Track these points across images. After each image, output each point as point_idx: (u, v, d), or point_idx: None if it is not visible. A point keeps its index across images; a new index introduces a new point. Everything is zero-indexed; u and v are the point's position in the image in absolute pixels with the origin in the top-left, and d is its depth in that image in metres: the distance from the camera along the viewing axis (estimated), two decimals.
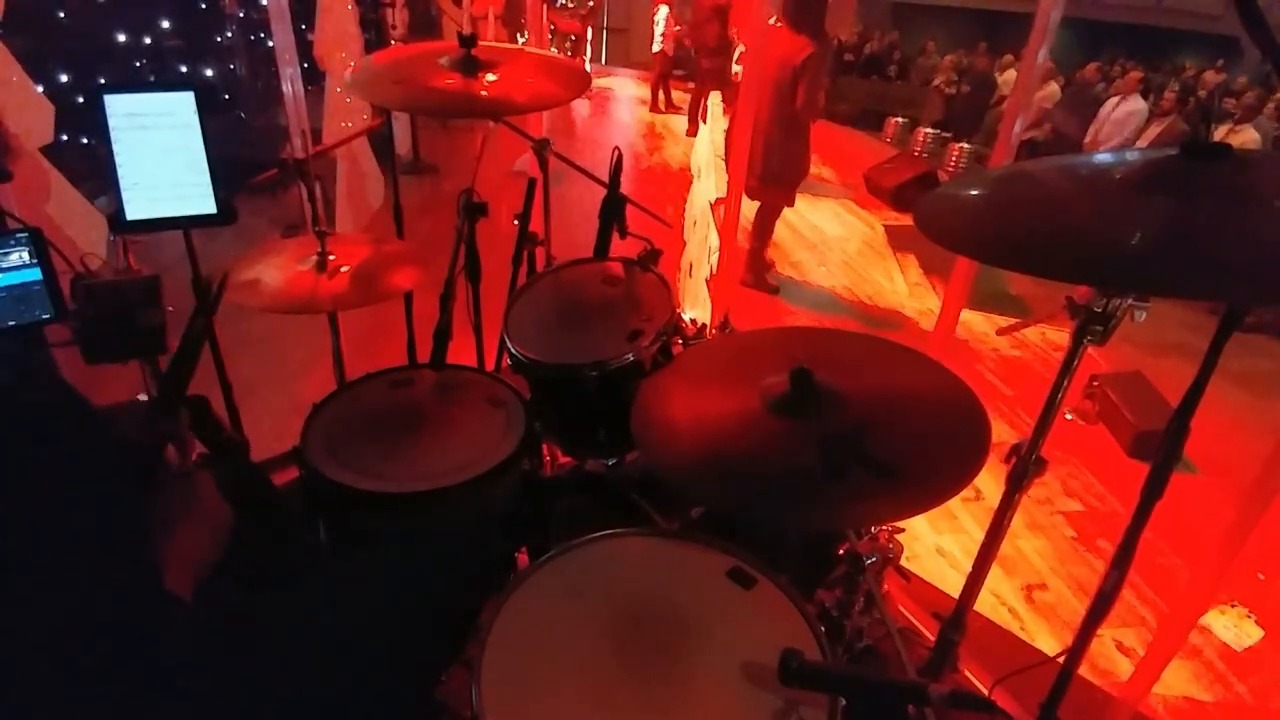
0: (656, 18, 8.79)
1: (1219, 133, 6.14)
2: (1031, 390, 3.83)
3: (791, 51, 3.91)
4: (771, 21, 3.90)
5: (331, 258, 1.63)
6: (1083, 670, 1.25)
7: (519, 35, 7.65)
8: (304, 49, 3.40)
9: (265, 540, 1.16)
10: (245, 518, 1.17)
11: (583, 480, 1.55)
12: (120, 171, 1.60)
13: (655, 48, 8.85)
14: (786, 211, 4.79)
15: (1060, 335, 4.13)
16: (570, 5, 10.52)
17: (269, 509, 1.20)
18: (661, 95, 9.23)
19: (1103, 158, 1.03)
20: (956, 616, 1.48)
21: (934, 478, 0.96)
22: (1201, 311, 4.51)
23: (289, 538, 1.20)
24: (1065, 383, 1.21)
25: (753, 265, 4.73)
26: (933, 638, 1.56)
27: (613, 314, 1.53)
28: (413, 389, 1.51)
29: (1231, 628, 2.46)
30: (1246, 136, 6.05)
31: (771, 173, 4.16)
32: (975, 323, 4.46)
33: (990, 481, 2.04)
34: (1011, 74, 9.29)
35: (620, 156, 1.75)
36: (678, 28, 8.93)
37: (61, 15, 4.08)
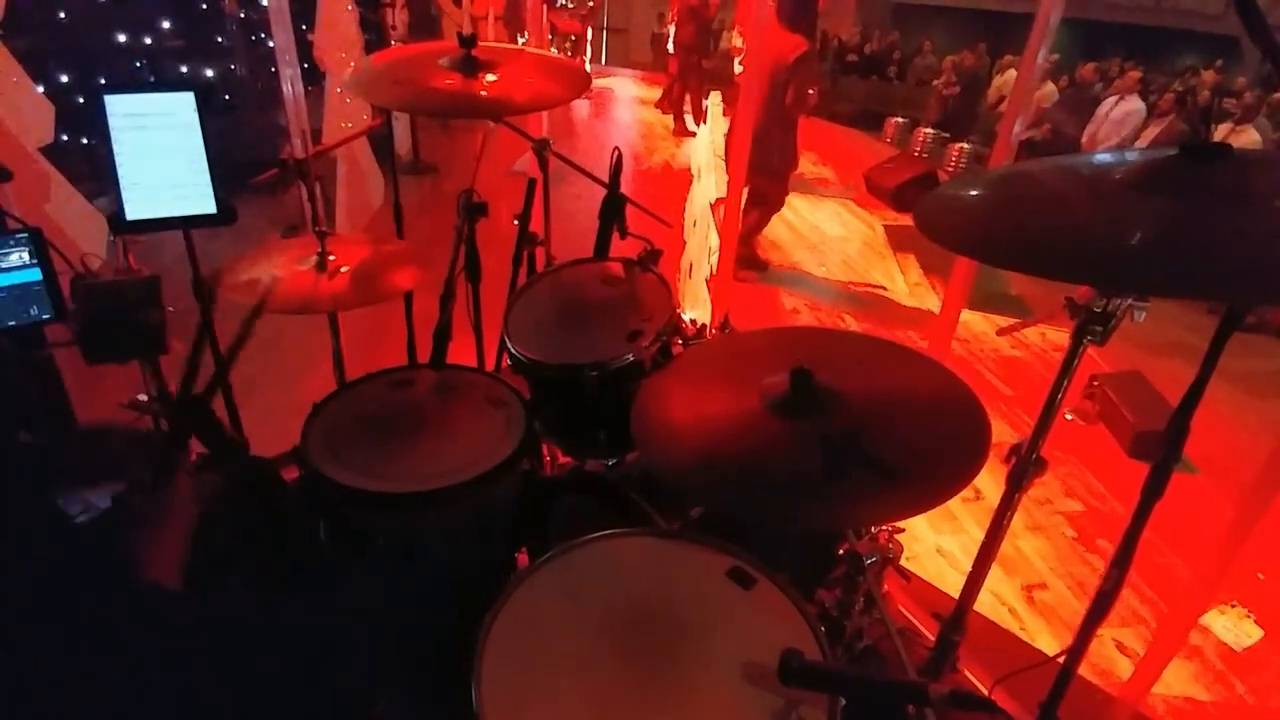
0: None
1: (1220, 133, 6.14)
2: (1031, 390, 3.83)
3: (786, 50, 4.00)
4: None
5: (331, 258, 1.63)
6: (1083, 670, 1.25)
7: (519, 35, 7.65)
8: (304, 49, 3.40)
9: (271, 539, 1.16)
10: (252, 516, 1.17)
11: (583, 480, 1.55)
12: (120, 171, 1.60)
13: (671, 49, 8.80)
14: (786, 211, 4.82)
15: (1060, 335, 4.12)
16: (570, 5, 10.50)
17: (278, 506, 1.20)
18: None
19: (1102, 158, 1.03)
20: (956, 616, 1.48)
21: (934, 478, 0.96)
22: (1201, 311, 4.51)
23: (295, 536, 1.20)
24: (1065, 383, 1.21)
25: (741, 244, 4.79)
26: (933, 638, 1.56)
27: (613, 314, 1.53)
28: (413, 389, 1.51)
29: (1231, 628, 2.46)
30: (1248, 137, 6.04)
31: (761, 161, 4.23)
32: (975, 323, 4.46)
33: (990, 481, 2.04)
34: (1012, 74, 9.29)
35: (620, 156, 1.75)
36: None
37: (61, 15, 4.08)
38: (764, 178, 4.41)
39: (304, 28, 3.86)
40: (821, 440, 1.02)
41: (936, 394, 1.11)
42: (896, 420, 1.07)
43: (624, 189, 1.76)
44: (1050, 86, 8.35)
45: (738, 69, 4.53)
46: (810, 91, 4.19)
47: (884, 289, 4.99)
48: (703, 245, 3.49)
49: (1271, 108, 6.51)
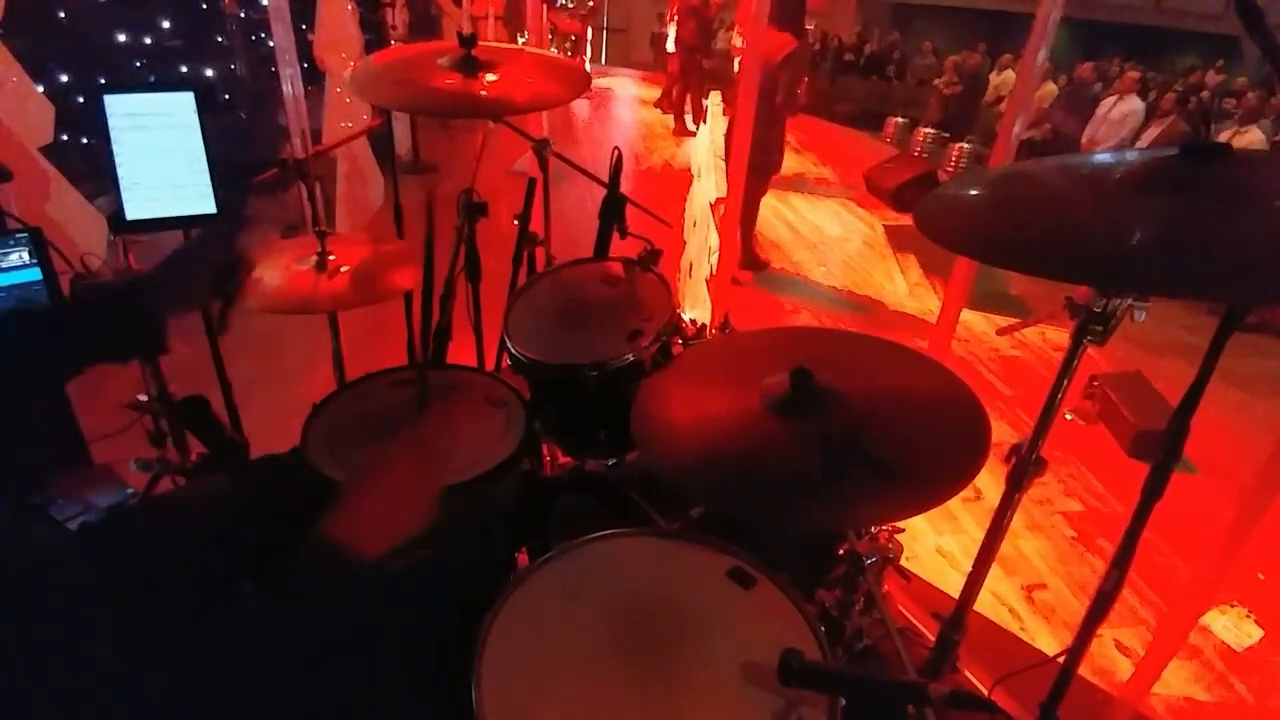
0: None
1: (1224, 134, 6.14)
2: (1031, 390, 3.83)
3: (773, 49, 4.02)
4: None
5: (331, 258, 1.63)
6: (1083, 670, 1.25)
7: (519, 35, 7.65)
8: (304, 49, 3.40)
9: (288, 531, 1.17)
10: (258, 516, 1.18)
11: (583, 480, 1.55)
12: (120, 171, 1.60)
13: (671, 47, 8.76)
14: (786, 211, 4.84)
15: (1060, 335, 4.13)
16: (570, 5, 10.50)
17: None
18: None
19: (1102, 158, 1.03)
20: (956, 616, 1.48)
21: (934, 478, 0.96)
22: (1201, 311, 4.51)
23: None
24: (1065, 383, 1.21)
25: (742, 249, 4.86)
26: (933, 638, 1.56)
27: (613, 314, 1.53)
28: (413, 389, 1.51)
29: (1231, 628, 2.46)
30: (1251, 138, 6.05)
31: (759, 161, 4.26)
32: (975, 323, 4.46)
33: (990, 481, 2.04)
34: (1010, 74, 9.29)
35: (620, 156, 1.75)
36: None
37: (61, 15, 4.08)
38: (758, 178, 4.43)
39: (304, 28, 3.87)
40: (821, 440, 1.01)
41: (936, 394, 1.11)
42: (896, 420, 1.07)
43: (624, 189, 1.76)
44: (1050, 86, 8.36)
45: (738, 68, 4.54)
46: (798, 90, 4.22)
47: (883, 301, 4.99)
48: (703, 245, 3.49)
49: (1275, 110, 6.51)
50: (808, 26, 11.85)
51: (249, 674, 0.53)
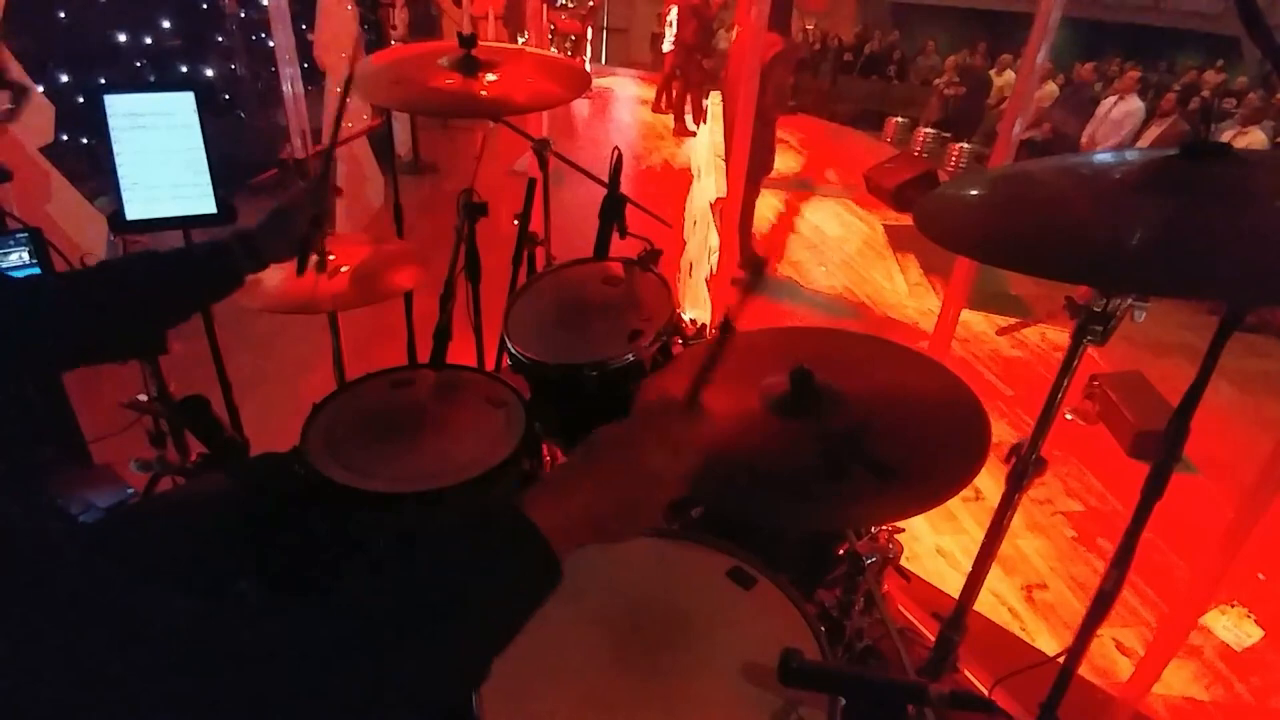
0: (669, 18, 8.70)
1: (1225, 135, 6.14)
2: (1031, 390, 3.83)
3: (761, 49, 4.03)
4: None
5: (331, 258, 1.62)
6: (1083, 670, 1.25)
7: (519, 35, 7.65)
8: (304, 49, 3.40)
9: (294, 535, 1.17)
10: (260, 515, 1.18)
11: None
12: (120, 171, 1.60)
13: (666, 47, 8.75)
14: (786, 211, 4.83)
15: (1060, 335, 4.13)
16: (570, 5, 10.51)
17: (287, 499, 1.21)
18: (665, 95, 9.16)
19: (1102, 158, 1.03)
20: (956, 616, 1.48)
21: (934, 478, 0.96)
22: (1201, 311, 4.52)
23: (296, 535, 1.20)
24: (1065, 383, 1.21)
25: (740, 249, 4.86)
26: (933, 638, 1.56)
27: (613, 314, 1.53)
28: (413, 389, 1.51)
29: (1231, 628, 2.46)
30: (1253, 138, 6.06)
31: (760, 161, 4.26)
32: (975, 323, 4.46)
33: (990, 481, 2.04)
34: (1010, 74, 9.29)
35: (620, 156, 1.75)
36: None
37: (61, 15, 4.08)
38: (751, 178, 4.45)
39: (304, 28, 3.87)
40: (821, 440, 1.01)
41: (936, 394, 1.11)
42: (896, 420, 1.07)
43: (624, 189, 1.76)
44: (1051, 86, 8.37)
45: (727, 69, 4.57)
46: (786, 90, 4.25)
47: (883, 301, 4.99)
48: (703, 245, 3.50)
49: (1277, 110, 6.52)
50: (807, 26, 11.83)
51: (249, 673, 0.53)
